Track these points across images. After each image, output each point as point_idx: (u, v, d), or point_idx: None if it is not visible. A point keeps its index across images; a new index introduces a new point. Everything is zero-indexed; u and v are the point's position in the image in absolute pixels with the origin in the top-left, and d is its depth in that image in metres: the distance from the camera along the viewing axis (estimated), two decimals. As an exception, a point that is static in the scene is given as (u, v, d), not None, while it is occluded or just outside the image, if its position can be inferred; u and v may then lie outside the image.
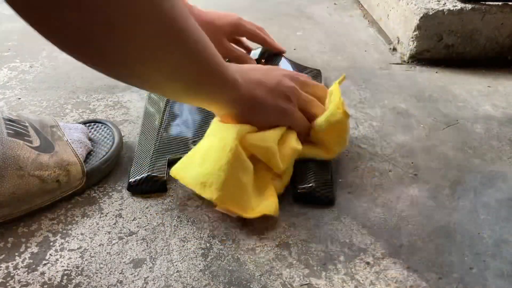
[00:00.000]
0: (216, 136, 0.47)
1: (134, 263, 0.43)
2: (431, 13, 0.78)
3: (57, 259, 0.43)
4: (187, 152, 0.53)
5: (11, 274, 0.41)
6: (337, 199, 0.51)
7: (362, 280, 0.42)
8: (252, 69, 0.49)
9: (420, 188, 0.54)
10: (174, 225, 0.47)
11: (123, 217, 0.48)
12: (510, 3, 0.80)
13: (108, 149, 0.54)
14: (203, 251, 0.44)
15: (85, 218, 0.48)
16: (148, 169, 0.51)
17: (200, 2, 1.07)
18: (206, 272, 0.42)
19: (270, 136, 0.48)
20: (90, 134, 0.56)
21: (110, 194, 0.51)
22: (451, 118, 0.68)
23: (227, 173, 0.44)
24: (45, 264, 0.42)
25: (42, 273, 0.42)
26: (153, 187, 0.51)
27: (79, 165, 0.49)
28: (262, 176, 0.49)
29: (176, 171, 0.49)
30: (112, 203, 0.50)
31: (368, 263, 0.44)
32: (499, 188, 0.54)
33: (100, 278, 0.41)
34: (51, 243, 0.45)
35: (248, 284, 0.41)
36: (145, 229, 0.47)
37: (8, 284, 0.40)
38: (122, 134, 0.58)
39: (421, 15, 0.79)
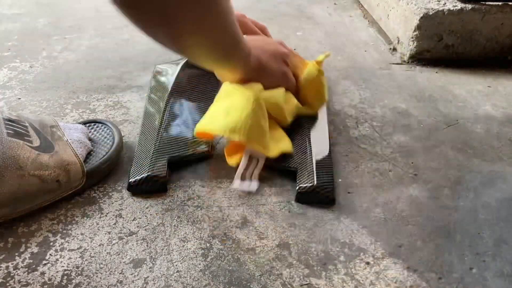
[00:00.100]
0: (235, 94, 0.55)
1: (134, 263, 0.43)
2: (431, 13, 0.78)
3: (57, 259, 0.43)
4: (187, 152, 0.54)
5: (11, 274, 0.41)
6: (337, 199, 0.51)
7: (362, 280, 0.42)
8: (253, 40, 0.58)
9: (420, 188, 0.54)
10: (174, 225, 0.47)
11: (123, 217, 0.48)
12: (510, 3, 0.80)
13: (108, 149, 0.54)
14: (203, 251, 0.44)
15: (85, 218, 0.48)
16: (148, 169, 0.51)
17: (200, 2, 1.07)
18: (206, 272, 0.42)
19: (278, 94, 0.57)
20: (90, 134, 0.56)
21: (110, 194, 0.51)
22: (451, 118, 0.68)
23: (252, 120, 0.51)
24: (45, 264, 0.42)
25: (42, 273, 0.42)
26: (153, 187, 0.51)
27: (79, 165, 0.49)
28: (273, 124, 0.58)
29: (201, 126, 0.54)
30: (112, 203, 0.50)
31: (368, 263, 0.44)
32: (499, 188, 0.54)
33: (100, 278, 0.41)
34: (51, 243, 0.45)
35: (248, 284, 0.41)
36: (145, 229, 0.47)
37: (8, 284, 0.40)
38: (122, 134, 0.58)
39: (421, 15, 0.79)
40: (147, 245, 0.45)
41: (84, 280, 0.41)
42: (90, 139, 0.55)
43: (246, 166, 0.53)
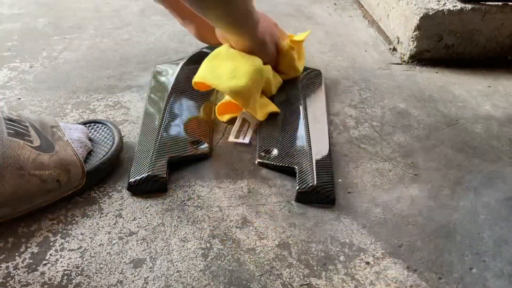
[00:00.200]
0: (240, 59, 0.62)
1: (134, 263, 0.43)
2: (431, 13, 0.78)
3: (57, 259, 0.43)
4: (186, 152, 0.55)
5: (11, 274, 0.41)
6: (337, 199, 0.51)
7: (362, 280, 0.42)
8: (263, 18, 0.64)
9: (420, 188, 0.54)
10: (174, 225, 0.47)
11: (123, 217, 0.48)
12: (510, 3, 0.80)
13: (108, 149, 0.54)
14: (203, 251, 0.44)
15: (85, 218, 0.48)
16: (148, 169, 0.51)
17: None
18: (206, 272, 0.42)
19: (268, 70, 0.65)
20: (90, 134, 0.56)
21: (110, 194, 0.51)
22: (451, 118, 0.68)
23: (254, 88, 0.60)
24: (45, 264, 0.42)
25: (42, 273, 0.42)
26: (153, 187, 0.51)
27: (79, 165, 0.49)
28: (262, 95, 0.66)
29: (202, 78, 0.61)
30: (112, 203, 0.50)
31: (368, 263, 0.44)
32: (499, 188, 0.54)
33: (100, 278, 0.41)
34: (51, 243, 0.45)
35: (248, 284, 0.41)
36: (145, 229, 0.47)
37: (8, 284, 0.40)
38: (122, 134, 0.58)
39: (421, 15, 0.79)
40: (147, 245, 0.45)
41: (84, 280, 0.41)
42: (90, 139, 0.55)
43: (240, 126, 0.61)
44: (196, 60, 0.75)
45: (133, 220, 0.48)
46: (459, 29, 0.80)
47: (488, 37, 0.82)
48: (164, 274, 0.42)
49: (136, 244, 0.45)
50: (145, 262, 0.43)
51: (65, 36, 0.90)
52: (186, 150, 0.55)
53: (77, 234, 0.46)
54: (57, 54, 0.82)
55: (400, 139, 0.62)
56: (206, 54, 0.78)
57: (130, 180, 0.51)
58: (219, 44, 0.67)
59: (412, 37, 0.81)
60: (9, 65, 0.78)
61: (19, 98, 0.68)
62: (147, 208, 0.49)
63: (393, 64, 0.83)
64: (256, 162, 0.56)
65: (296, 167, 0.53)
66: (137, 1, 1.04)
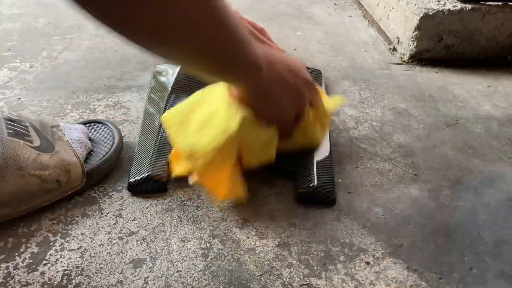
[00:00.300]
0: (220, 110, 0.47)
1: (134, 263, 0.43)
2: (431, 13, 0.78)
3: (57, 259, 0.43)
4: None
5: (11, 274, 0.41)
6: (337, 199, 0.51)
7: (362, 280, 0.42)
8: (279, 62, 0.46)
9: (420, 188, 0.54)
10: (174, 225, 0.47)
11: (123, 217, 0.48)
12: (510, 3, 0.80)
13: (108, 149, 0.54)
14: (203, 251, 0.44)
15: (85, 218, 0.48)
16: (148, 169, 0.51)
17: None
18: (206, 272, 0.42)
19: (267, 136, 0.49)
20: (90, 134, 0.56)
21: (110, 194, 0.51)
22: (451, 118, 0.68)
23: (217, 155, 0.45)
24: (45, 264, 0.42)
25: (42, 273, 0.42)
26: (153, 187, 0.51)
27: (79, 165, 0.49)
28: (234, 169, 0.49)
29: (169, 122, 0.49)
30: (112, 203, 0.50)
31: (368, 263, 0.44)
32: (499, 188, 0.54)
33: (100, 278, 0.41)
34: (51, 243, 0.45)
35: (248, 284, 0.41)
36: (145, 229, 0.47)
37: (8, 284, 0.40)
38: (122, 134, 0.58)
39: (421, 15, 0.79)
40: (147, 245, 0.45)
41: (84, 280, 0.41)
42: (90, 139, 0.55)
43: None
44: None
45: (133, 220, 0.48)
46: (459, 29, 0.80)
47: (488, 37, 0.82)
48: (164, 274, 0.42)
49: (136, 244, 0.45)
50: (145, 262, 0.43)
51: (65, 36, 0.90)
52: None
53: (77, 234, 0.46)
54: (57, 54, 0.82)
55: (400, 139, 0.62)
56: None
57: (130, 180, 0.51)
58: None
59: (412, 37, 0.81)
60: (9, 65, 0.78)
61: (19, 98, 0.68)
62: (147, 208, 0.49)
63: (393, 64, 0.83)
64: None
65: (297, 168, 0.53)
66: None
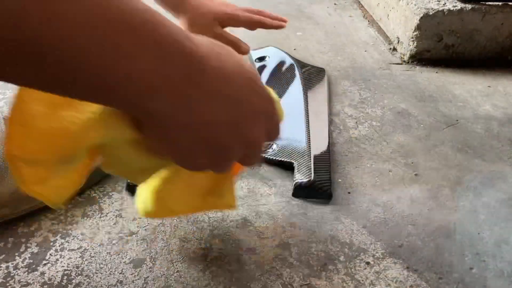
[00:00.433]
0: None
1: (134, 263, 0.43)
2: (431, 13, 0.78)
3: (57, 259, 0.43)
4: None
5: (11, 274, 0.41)
6: (337, 199, 0.51)
7: (362, 280, 0.42)
8: (217, 53, 0.26)
9: (420, 188, 0.54)
10: (174, 225, 0.47)
11: (123, 217, 0.48)
12: (510, 3, 0.80)
13: (108, 149, 0.54)
14: (203, 251, 0.44)
15: (85, 218, 0.48)
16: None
17: None
18: (206, 272, 0.42)
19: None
20: (90, 134, 0.56)
21: (110, 194, 0.51)
22: (451, 118, 0.68)
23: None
24: (45, 264, 0.42)
25: (42, 273, 0.41)
26: None
27: (79, 165, 0.49)
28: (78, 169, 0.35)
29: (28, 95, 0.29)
30: (112, 203, 0.50)
31: (368, 263, 0.44)
32: (499, 188, 0.54)
33: (100, 278, 0.41)
34: (51, 243, 0.45)
35: (248, 284, 0.41)
36: (145, 229, 0.47)
37: (8, 284, 0.40)
38: (122, 134, 0.58)
39: (421, 15, 0.79)
40: (147, 245, 0.45)
41: (84, 280, 0.41)
42: (90, 139, 0.55)
43: None
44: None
45: (133, 220, 0.48)
46: (459, 29, 0.80)
47: (488, 37, 0.82)
48: (164, 274, 0.42)
49: (136, 244, 0.45)
50: (145, 262, 0.43)
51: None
52: None
53: (77, 234, 0.46)
54: (57, 54, 0.82)
55: (400, 139, 0.62)
56: None
57: (128, 181, 0.51)
58: None
59: (412, 37, 0.81)
60: (9, 65, 0.78)
61: (19, 98, 0.68)
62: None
63: (393, 64, 0.83)
64: None
65: (295, 162, 0.53)
66: (137, 1, 1.04)
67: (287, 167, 0.54)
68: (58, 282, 0.41)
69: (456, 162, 0.58)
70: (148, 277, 0.42)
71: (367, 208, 0.50)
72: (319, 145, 0.56)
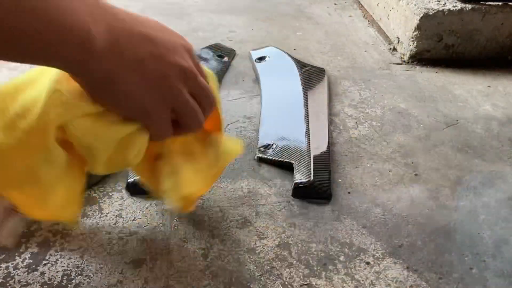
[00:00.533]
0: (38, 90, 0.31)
1: (134, 263, 0.43)
2: (431, 13, 0.78)
3: (57, 259, 0.43)
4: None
5: (11, 274, 0.41)
6: (337, 199, 0.51)
7: (362, 280, 0.42)
8: (140, 39, 0.32)
9: (420, 188, 0.54)
10: (174, 225, 0.47)
11: (123, 217, 0.48)
12: (510, 3, 0.80)
13: (108, 149, 0.54)
14: (203, 251, 0.44)
15: (85, 218, 0.48)
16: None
17: (201, 2, 1.07)
18: (206, 272, 0.42)
19: (109, 135, 0.34)
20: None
21: (110, 194, 0.51)
22: (451, 118, 0.68)
23: (15, 154, 0.31)
24: (45, 264, 0.42)
25: (42, 273, 0.42)
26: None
27: (79, 165, 0.49)
28: (73, 172, 0.36)
29: None
30: (112, 203, 0.50)
31: (368, 263, 0.44)
32: (499, 188, 0.54)
33: (100, 278, 0.41)
34: (51, 243, 0.45)
35: (248, 284, 0.41)
36: (145, 229, 0.47)
37: (8, 284, 0.40)
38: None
39: (421, 15, 0.79)
40: (147, 245, 0.45)
41: (84, 280, 0.41)
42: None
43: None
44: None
45: (133, 220, 0.48)
46: (459, 29, 0.80)
47: (488, 37, 0.82)
48: (164, 274, 0.42)
49: (136, 244, 0.45)
50: (145, 262, 0.43)
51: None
52: None
53: (77, 234, 0.46)
54: (57, 54, 0.82)
55: (400, 139, 0.62)
56: (208, 53, 0.78)
57: (128, 181, 0.51)
58: None
59: (412, 37, 0.81)
60: (9, 65, 0.78)
61: (19, 98, 0.68)
62: (147, 208, 0.49)
63: (393, 64, 0.83)
64: (255, 157, 0.56)
65: (294, 162, 0.53)
66: (137, 1, 1.04)
67: (287, 167, 0.54)
68: (58, 282, 0.41)
69: (456, 162, 0.58)
70: (148, 277, 0.42)
71: (367, 208, 0.50)
72: (319, 145, 0.56)
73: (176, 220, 0.48)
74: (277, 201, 0.51)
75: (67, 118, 0.32)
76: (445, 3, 0.80)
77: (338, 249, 0.45)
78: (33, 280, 0.41)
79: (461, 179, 0.55)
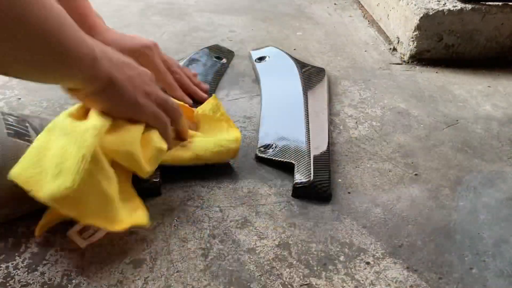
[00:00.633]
0: (69, 136, 0.41)
1: (134, 263, 0.43)
2: (431, 13, 0.78)
3: (57, 259, 0.43)
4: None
5: (11, 274, 0.41)
6: (337, 199, 0.51)
7: (362, 280, 0.42)
8: (117, 58, 0.45)
9: (420, 188, 0.54)
10: (174, 225, 0.47)
11: (123, 217, 0.48)
12: (510, 3, 0.80)
13: (108, 149, 0.54)
14: (203, 251, 0.44)
15: (85, 218, 0.48)
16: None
17: (201, 2, 1.07)
18: (206, 272, 0.42)
19: (130, 137, 0.44)
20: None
21: (110, 194, 0.51)
22: (451, 118, 0.68)
23: (89, 186, 0.39)
24: (45, 264, 0.42)
25: (42, 273, 0.42)
26: (146, 190, 0.50)
27: (79, 165, 0.49)
28: (125, 185, 0.46)
29: (22, 177, 0.40)
30: (112, 203, 0.50)
31: (368, 263, 0.44)
32: (499, 188, 0.54)
33: (100, 278, 0.41)
34: (51, 243, 0.45)
35: (248, 284, 0.41)
36: (145, 229, 0.47)
37: (8, 284, 0.40)
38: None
39: (421, 15, 0.79)
40: (147, 245, 0.45)
41: (84, 280, 0.41)
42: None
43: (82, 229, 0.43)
44: (196, 60, 0.75)
45: (133, 220, 0.48)
46: (459, 29, 0.80)
47: (488, 37, 0.82)
48: (164, 274, 0.42)
49: (136, 244, 0.45)
50: (145, 262, 0.43)
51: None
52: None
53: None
54: (57, 54, 0.82)
55: (400, 139, 0.62)
56: (206, 54, 0.78)
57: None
58: None
59: (412, 37, 0.81)
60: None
61: (19, 98, 0.68)
62: (147, 208, 0.49)
63: (393, 64, 0.83)
64: (255, 157, 0.56)
65: (294, 162, 0.53)
66: (137, 1, 1.05)
67: (287, 167, 0.54)
68: (58, 282, 0.41)
69: (456, 162, 0.58)
70: (148, 277, 0.42)
71: (367, 208, 0.50)
72: (319, 145, 0.56)
73: (176, 220, 0.48)
74: (277, 201, 0.51)
75: (99, 140, 0.41)
76: (445, 3, 0.80)
77: (338, 249, 0.45)
78: (33, 280, 0.41)
79: (461, 179, 0.55)
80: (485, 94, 0.74)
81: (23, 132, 0.47)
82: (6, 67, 0.35)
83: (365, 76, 0.78)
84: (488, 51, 0.84)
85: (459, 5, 0.79)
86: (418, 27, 0.80)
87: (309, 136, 0.57)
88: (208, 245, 0.45)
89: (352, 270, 0.43)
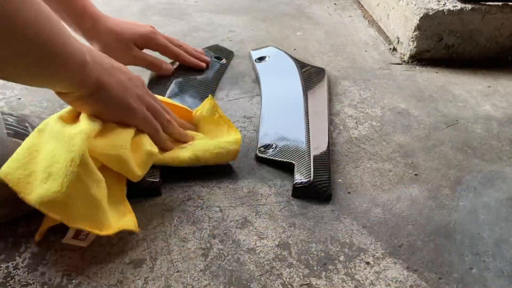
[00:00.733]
0: (59, 141, 0.41)
1: (134, 263, 0.43)
2: (431, 13, 0.78)
3: (57, 259, 0.43)
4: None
5: (11, 274, 0.41)
6: (337, 199, 0.51)
7: (362, 280, 0.42)
8: (110, 60, 0.47)
9: (420, 188, 0.54)
10: (174, 225, 0.47)
11: (123, 217, 0.48)
12: (510, 3, 0.80)
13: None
14: (203, 251, 0.44)
15: (85, 218, 0.48)
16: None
17: (201, 2, 1.07)
18: (206, 272, 0.42)
19: (121, 141, 0.45)
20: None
21: (110, 194, 0.51)
22: (451, 118, 0.68)
23: (78, 190, 0.39)
24: (45, 264, 0.42)
25: (42, 273, 0.42)
26: (146, 190, 0.50)
27: (79, 165, 0.50)
28: (115, 189, 0.46)
29: (12, 178, 0.40)
30: (112, 203, 0.50)
31: (368, 263, 0.44)
32: (499, 188, 0.54)
33: (100, 278, 0.41)
34: (51, 243, 0.45)
35: (248, 284, 0.41)
36: (145, 229, 0.47)
37: (8, 284, 0.40)
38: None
39: (421, 15, 0.79)
40: (147, 245, 0.45)
41: (84, 280, 0.41)
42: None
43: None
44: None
45: (133, 220, 0.48)
46: (459, 29, 0.80)
47: (488, 37, 0.82)
48: (164, 274, 0.42)
49: (136, 244, 0.45)
50: (145, 262, 0.43)
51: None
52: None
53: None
54: (57, 54, 0.82)
55: (400, 139, 0.62)
56: (206, 54, 0.78)
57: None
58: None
59: (412, 37, 0.81)
60: None
61: (19, 98, 0.68)
62: (147, 208, 0.49)
63: (393, 64, 0.83)
64: (255, 157, 0.56)
65: (294, 162, 0.53)
66: (137, 1, 1.05)
67: (287, 167, 0.54)
68: (58, 282, 0.41)
69: (456, 162, 0.58)
70: (148, 277, 0.42)
71: (367, 208, 0.50)
72: (319, 145, 0.56)
73: (176, 220, 0.48)
74: (277, 201, 0.51)
75: (88, 144, 0.41)
76: (445, 3, 0.80)
77: (338, 249, 0.45)
78: (33, 280, 0.41)
79: (461, 179, 0.55)
80: (485, 94, 0.74)
81: (23, 132, 0.47)
82: None
83: (365, 76, 0.78)
84: (488, 51, 0.84)
85: (459, 5, 0.79)
86: (418, 27, 0.80)
87: (309, 136, 0.57)
88: (208, 245, 0.45)
89: (352, 270, 0.43)
